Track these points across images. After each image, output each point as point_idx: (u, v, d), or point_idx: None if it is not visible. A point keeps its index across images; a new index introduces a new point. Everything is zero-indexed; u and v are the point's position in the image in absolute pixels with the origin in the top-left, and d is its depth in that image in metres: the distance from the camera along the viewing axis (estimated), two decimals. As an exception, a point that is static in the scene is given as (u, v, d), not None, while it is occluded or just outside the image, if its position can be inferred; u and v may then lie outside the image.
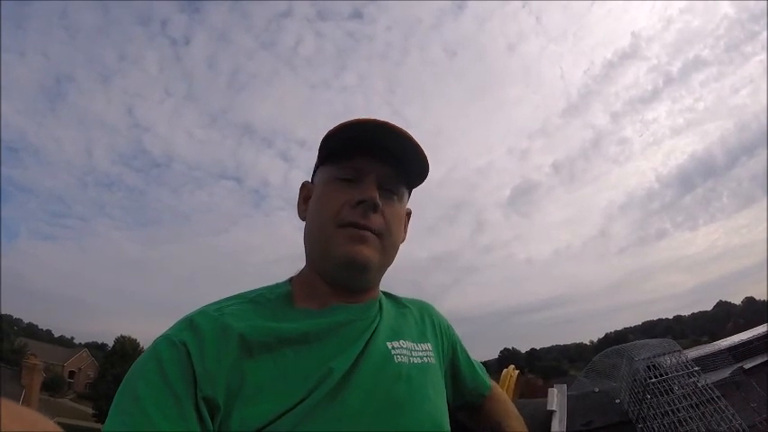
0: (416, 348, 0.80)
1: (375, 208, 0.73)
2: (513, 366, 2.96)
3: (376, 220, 0.74)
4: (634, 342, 4.09)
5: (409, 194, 0.86)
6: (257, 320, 0.68)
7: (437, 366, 0.84)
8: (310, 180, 0.86)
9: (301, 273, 0.82)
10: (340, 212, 0.73)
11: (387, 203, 0.76)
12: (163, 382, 0.58)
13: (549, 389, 2.24)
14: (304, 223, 0.81)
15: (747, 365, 4.27)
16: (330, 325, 0.72)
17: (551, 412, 2.05)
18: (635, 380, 3.45)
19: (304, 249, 0.81)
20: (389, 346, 0.75)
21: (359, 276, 0.76)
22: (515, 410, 1.00)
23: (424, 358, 0.80)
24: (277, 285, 0.81)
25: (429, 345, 0.84)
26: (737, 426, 2.74)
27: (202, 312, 0.68)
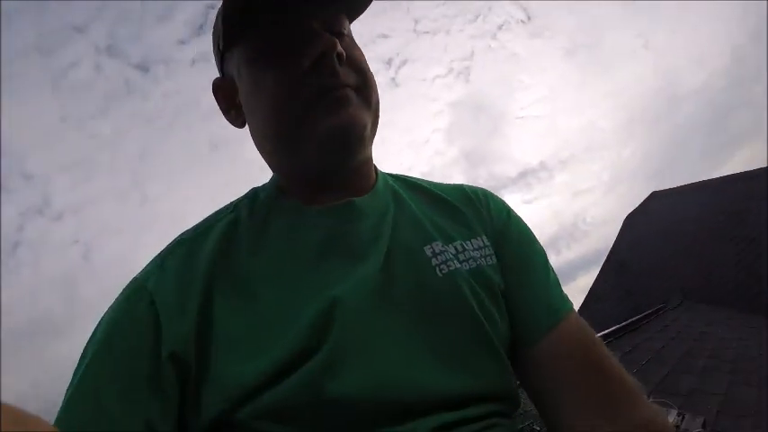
0: (468, 247, 0.60)
1: (340, 58, 0.53)
2: None
3: (347, 73, 0.55)
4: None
5: None
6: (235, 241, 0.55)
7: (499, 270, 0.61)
8: (220, 74, 0.64)
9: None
10: (299, 84, 0.53)
11: (347, 48, 0.56)
12: (118, 349, 0.49)
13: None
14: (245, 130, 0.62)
15: None
16: (335, 230, 0.56)
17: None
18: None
19: (264, 160, 0.62)
20: (428, 252, 0.57)
21: (357, 148, 0.56)
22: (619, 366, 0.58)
23: (482, 259, 0.59)
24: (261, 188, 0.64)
25: (483, 238, 0.62)
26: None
27: (179, 242, 0.56)
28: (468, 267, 0.57)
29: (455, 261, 0.57)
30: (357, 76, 0.56)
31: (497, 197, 0.70)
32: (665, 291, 6.88)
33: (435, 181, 0.70)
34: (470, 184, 0.70)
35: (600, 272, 9.15)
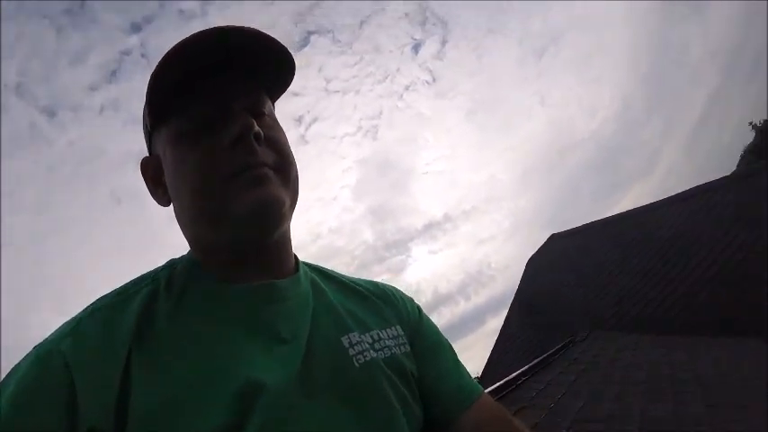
0: (383, 336, 0.64)
1: (258, 137, 0.55)
2: None
3: (265, 152, 0.56)
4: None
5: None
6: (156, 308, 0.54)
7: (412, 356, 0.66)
8: (148, 153, 0.66)
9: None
10: (219, 162, 0.55)
11: (266, 127, 0.58)
12: (26, 424, 0.44)
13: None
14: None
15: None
16: (252, 311, 0.56)
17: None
18: None
19: (185, 235, 0.63)
20: (345, 342, 0.59)
21: (274, 225, 0.57)
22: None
23: (396, 348, 0.63)
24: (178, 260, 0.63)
25: (398, 328, 0.67)
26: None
27: (97, 308, 0.54)
28: (383, 356, 0.60)
29: (371, 350, 0.60)
30: (275, 156, 0.58)
31: (408, 296, 0.76)
32: (572, 324, 6.82)
33: (348, 274, 0.74)
34: (383, 282, 0.75)
35: (508, 313, 9.11)
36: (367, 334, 0.62)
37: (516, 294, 9.28)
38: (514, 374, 4.29)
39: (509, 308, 9.14)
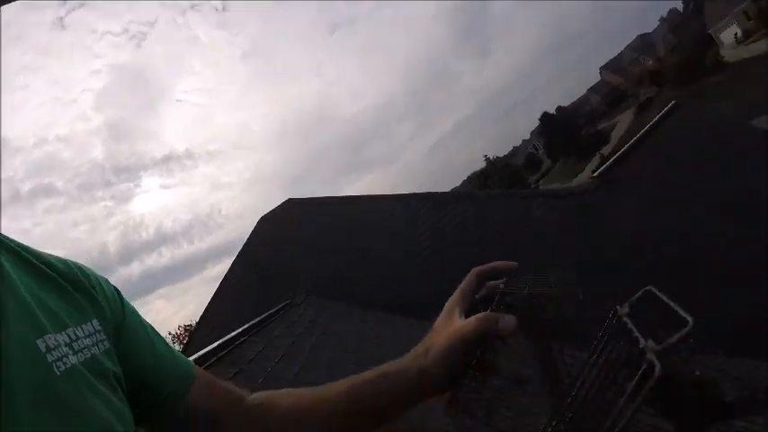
0: (80, 335, 0.54)
1: None
2: None
3: None
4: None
5: None
6: None
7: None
8: None
9: None
10: None
11: None
12: None
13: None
14: None
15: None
16: None
17: None
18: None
19: None
20: (41, 346, 0.48)
21: None
22: None
23: (95, 347, 0.55)
24: None
25: (95, 323, 0.57)
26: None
27: None
28: (83, 359, 0.52)
29: (70, 354, 0.51)
30: None
31: (102, 276, 0.67)
32: (293, 287, 7.12)
33: (33, 247, 0.60)
34: (74, 260, 0.63)
35: (232, 265, 8.96)
36: (63, 333, 0.53)
37: (243, 248, 9.17)
38: (234, 334, 4.18)
39: (234, 261, 8.97)
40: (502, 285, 0.66)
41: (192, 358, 2.63)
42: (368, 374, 0.67)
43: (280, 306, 5.88)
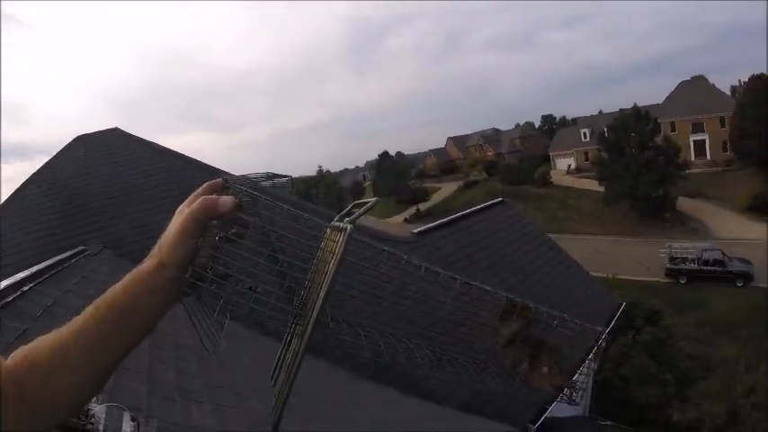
0: None
1: None
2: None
3: None
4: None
5: None
6: None
7: None
8: None
9: None
10: None
11: None
12: None
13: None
14: None
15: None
16: None
17: None
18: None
19: None
20: None
21: None
22: None
23: None
24: None
25: None
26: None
27: None
28: None
29: None
30: None
31: None
32: (93, 234, 6.39)
33: None
34: None
35: (29, 182, 7.44)
36: None
37: (48, 163, 7.84)
38: (20, 277, 3.66)
39: (32, 175, 7.57)
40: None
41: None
42: (116, 287, 0.68)
43: (75, 251, 5.27)
